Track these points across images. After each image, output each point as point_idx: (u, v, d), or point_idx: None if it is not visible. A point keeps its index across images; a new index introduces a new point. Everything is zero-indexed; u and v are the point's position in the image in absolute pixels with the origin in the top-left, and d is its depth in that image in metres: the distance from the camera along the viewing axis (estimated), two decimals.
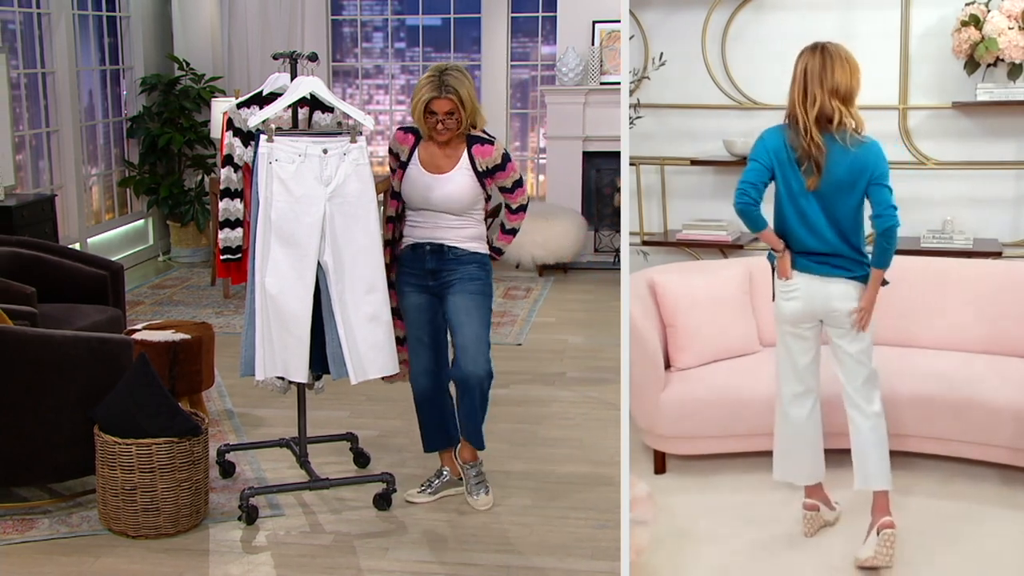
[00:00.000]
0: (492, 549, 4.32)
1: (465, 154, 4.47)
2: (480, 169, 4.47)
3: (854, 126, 3.77)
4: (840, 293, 3.89)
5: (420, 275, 4.57)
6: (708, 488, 4.55)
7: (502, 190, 4.60)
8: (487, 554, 4.27)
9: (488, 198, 4.60)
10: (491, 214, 4.72)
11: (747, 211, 3.84)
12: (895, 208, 3.75)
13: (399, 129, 4.58)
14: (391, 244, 4.61)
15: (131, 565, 4.18)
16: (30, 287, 5.46)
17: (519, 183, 4.60)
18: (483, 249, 4.60)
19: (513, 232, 4.70)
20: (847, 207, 3.82)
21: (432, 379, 4.68)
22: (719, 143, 5.39)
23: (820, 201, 3.82)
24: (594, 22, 9.37)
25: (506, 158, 4.52)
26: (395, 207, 4.58)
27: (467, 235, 4.54)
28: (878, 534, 3.90)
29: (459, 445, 4.75)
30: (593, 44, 9.39)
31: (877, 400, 3.95)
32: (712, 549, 4.14)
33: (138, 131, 9.60)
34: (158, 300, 8.39)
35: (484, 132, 4.51)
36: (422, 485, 4.78)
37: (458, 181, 4.46)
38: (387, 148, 4.63)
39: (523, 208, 4.66)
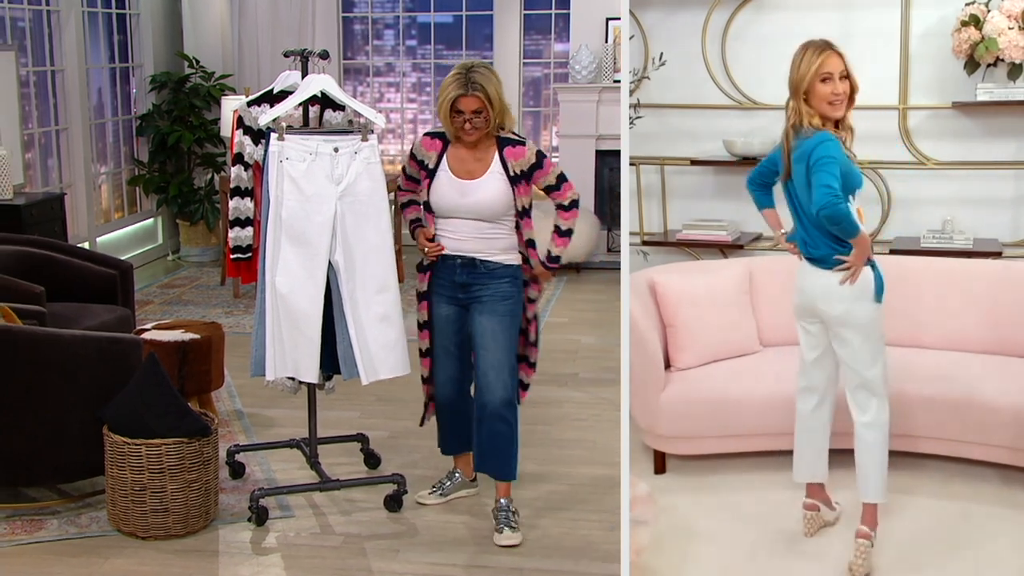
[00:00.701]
0: (504, 551, 4.29)
1: (496, 157, 4.28)
2: (514, 172, 4.26)
3: (807, 121, 3.75)
4: (822, 291, 3.84)
5: (450, 287, 4.42)
6: (708, 488, 4.55)
7: (548, 189, 4.37)
8: (499, 556, 4.25)
9: (523, 211, 4.34)
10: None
11: (748, 187, 4.07)
12: (827, 187, 3.59)
13: (425, 135, 4.40)
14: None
15: (140, 566, 4.16)
16: (39, 286, 5.44)
17: (563, 178, 4.34)
18: (516, 260, 4.38)
19: (569, 233, 4.38)
20: (807, 199, 3.78)
21: (457, 386, 4.59)
22: (719, 143, 5.39)
23: (796, 193, 3.84)
24: (607, 19, 9.27)
25: (541, 155, 4.31)
26: (431, 219, 4.41)
27: (500, 246, 4.36)
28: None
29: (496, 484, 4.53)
30: (607, 41, 9.28)
31: (871, 410, 3.88)
32: (712, 549, 4.14)
33: (147, 129, 9.59)
34: (167, 300, 8.38)
35: (513, 133, 4.35)
36: (433, 487, 4.74)
37: (489, 186, 4.28)
38: (408, 153, 4.46)
39: (575, 204, 4.36)
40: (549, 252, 4.40)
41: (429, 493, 4.72)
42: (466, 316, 4.44)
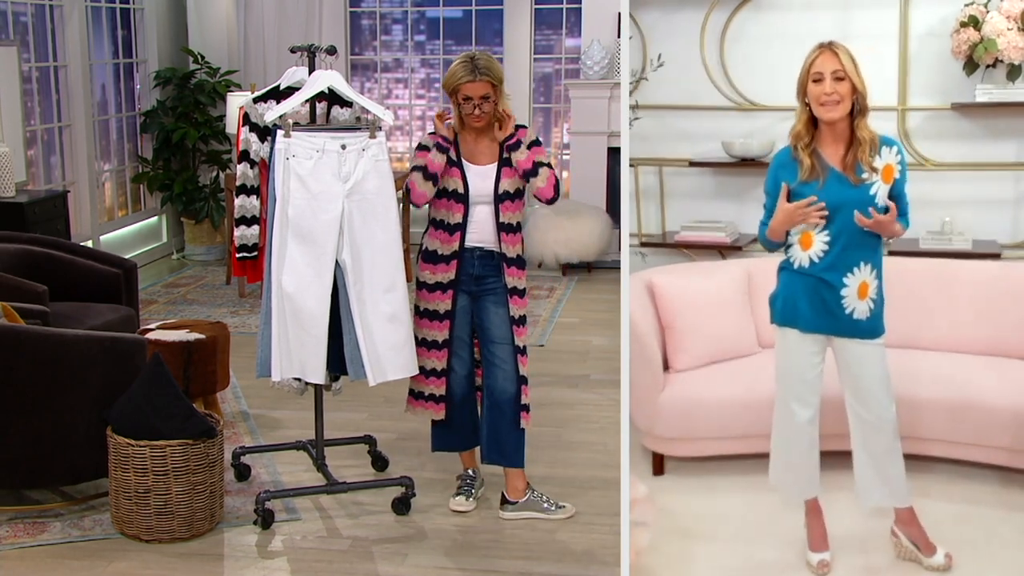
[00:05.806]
0: (513, 555, 4.26)
1: (500, 147, 4.46)
2: (509, 154, 4.45)
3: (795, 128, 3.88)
4: None
5: (467, 280, 4.51)
6: (707, 490, 4.54)
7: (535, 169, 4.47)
8: (508, 560, 4.22)
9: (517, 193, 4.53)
10: None
11: None
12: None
13: (431, 135, 4.50)
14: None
15: (144, 570, 4.13)
16: (42, 285, 5.42)
17: (549, 164, 4.51)
18: (522, 251, 4.58)
19: (536, 170, 4.45)
20: None
21: (472, 378, 4.65)
22: (718, 144, 5.38)
23: None
24: (620, 14, 9.19)
25: (538, 139, 4.53)
26: (460, 212, 4.47)
27: (514, 239, 4.51)
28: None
29: (506, 479, 4.64)
30: (618, 36, 9.20)
31: None
32: (712, 550, 4.16)
33: (152, 126, 9.54)
34: (172, 299, 8.33)
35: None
36: (459, 491, 4.69)
37: (502, 171, 4.45)
38: (416, 145, 4.54)
39: (557, 191, 4.53)
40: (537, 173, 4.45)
41: (460, 498, 4.66)
42: (474, 306, 4.54)
